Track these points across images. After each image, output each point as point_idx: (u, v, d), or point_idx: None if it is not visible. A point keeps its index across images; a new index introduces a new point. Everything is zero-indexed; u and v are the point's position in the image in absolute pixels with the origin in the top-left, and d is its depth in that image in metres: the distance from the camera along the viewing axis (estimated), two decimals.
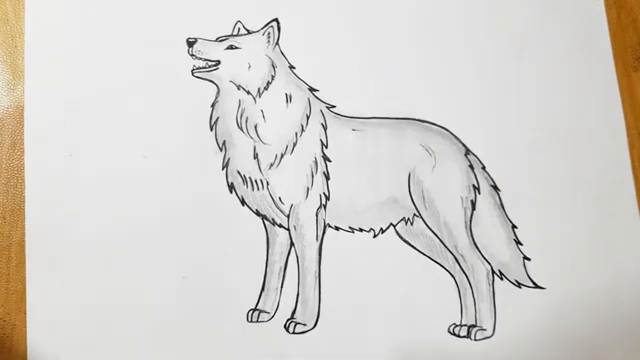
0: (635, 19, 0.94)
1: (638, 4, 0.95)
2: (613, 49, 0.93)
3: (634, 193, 0.89)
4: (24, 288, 0.86)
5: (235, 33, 0.90)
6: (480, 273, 0.86)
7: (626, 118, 0.91)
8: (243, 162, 0.87)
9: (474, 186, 0.88)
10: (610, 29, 0.93)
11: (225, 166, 0.88)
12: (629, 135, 0.91)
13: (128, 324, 0.86)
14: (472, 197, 0.87)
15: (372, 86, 0.91)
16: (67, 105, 0.90)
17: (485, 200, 0.88)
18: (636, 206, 0.89)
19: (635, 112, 0.91)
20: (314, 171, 0.87)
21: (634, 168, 0.90)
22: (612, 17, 0.94)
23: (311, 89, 0.89)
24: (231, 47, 0.88)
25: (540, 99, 0.91)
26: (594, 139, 0.90)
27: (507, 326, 0.85)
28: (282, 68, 0.89)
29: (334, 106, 0.89)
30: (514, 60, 0.92)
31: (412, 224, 0.88)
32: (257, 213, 0.88)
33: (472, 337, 0.85)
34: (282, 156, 0.87)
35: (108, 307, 0.86)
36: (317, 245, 0.87)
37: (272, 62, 0.89)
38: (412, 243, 0.87)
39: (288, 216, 0.87)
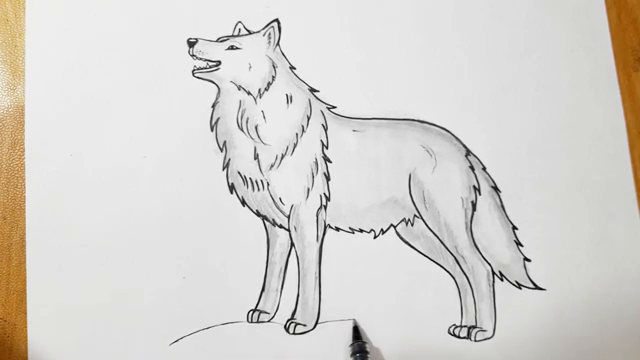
0: (635, 19, 0.94)
1: (638, 4, 0.94)
2: (613, 49, 0.93)
3: (634, 194, 0.89)
4: (24, 288, 0.86)
5: (236, 33, 0.91)
6: (480, 274, 0.86)
7: (626, 118, 0.91)
8: (244, 163, 0.87)
9: (474, 187, 0.88)
10: (610, 29, 0.93)
11: (225, 167, 0.88)
12: (629, 135, 0.91)
13: (128, 324, 0.86)
14: (472, 198, 0.88)
15: (373, 87, 0.90)
16: (68, 105, 0.90)
17: (485, 201, 0.88)
18: (636, 207, 0.89)
19: (635, 112, 0.91)
20: (314, 172, 0.87)
21: (634, 168, 0.90)
22: (612, 17, 0.94)
23: (312, 90, 0.89)
24: (232, 47, 0.88)
25: (540, 100, 0.91)
26: (594, 140, 0.90)
27: (507, 327, 0.85)
28: (283, 69, 0.89)
29: (335, 107, 0.89)
30: (514, 61, 0.92)
31: (412, 225, 0.88)
32: (257, 214, 0.88)
33: (472, 338, 0.85)
34: (282, 157, 0.87)
35: (108, 307, 0.86)
36: (317, 246, 0.87)
37: (273, 63, 0.89)
38: (412, 244, 0.87)
39: (288, 217, 0.87)
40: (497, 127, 0.90)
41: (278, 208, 0.87)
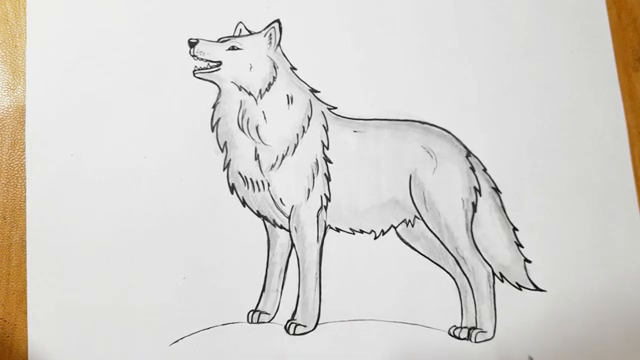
0: (635, 19, 0.94)
1: (638, 4, 0.94)
2: (613, 49, 0.93)
3: (635, 194, 0.89)
4: (25, 288, 0.86)
5: (237, 34, 0.90)
6: (481, 275, 0.86)
7: (626, 118, 0.91)
8: (244, 163, 0.87)
9: (475, 188, 0.88)
10: (610, 29, 0.93)
11: (226, 167, 0.88)
12: (630, 135, 0.91)
13: (128, 324, 0.86)
14: (473, 199, 0.88)
15: (373, 88, 0.90)
16: (68, 105, 0.90)
17: (486, 202, 0.88)
18: (637, 207, 0.89)
19: (635, 112, 0.91)
20: (315, 172, 0.87)
21: (635, 168, 0.90)
22: (612, 17, 0.94)
23: (312, 90, 0.89)
24: (233, 48, 0.88)
25: (541, 100, 0.91)
26: (595, 140, 0.90)
27: (507, 328, 0.85)
28: (283, 69, 0.89)
29: (335, 107, 0.89)
30: (515, 61, 0.92)
31: (413, 226, 0.88)
32: (258, 214, 0.88)
33: (472, 339, 0.85)
34: (283, 157, 0.87)
35: (108, 307, 0.86)
36: (318, 246, 0.87)
37: (273, 63, 0.89)
38: (413, 245, 0.87)
39: (289, 217, 0.87)
40: (498, 128, 0.90)
41: (279, 209, 0.87)
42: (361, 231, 0.88)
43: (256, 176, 0.87)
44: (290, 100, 0.88)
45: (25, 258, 0.87)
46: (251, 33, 0.90)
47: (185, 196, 0.88)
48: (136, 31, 0.92)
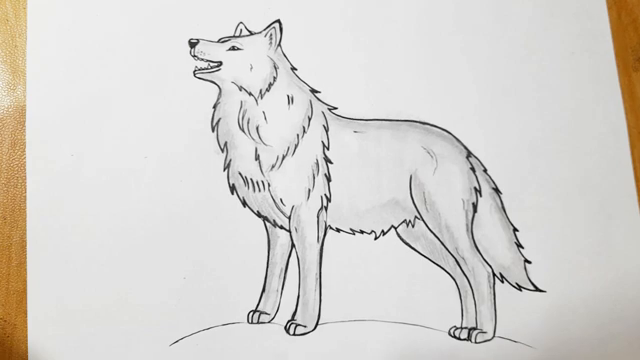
0: (635, 19, 0.94)
1: (638, 4, 0.94)
2: (614, 49, 0.93)
3: (635, 194, 0.89)
4: (25, 288, 0.86)
5: (237, 34, 0.90)
6: (481, 276, 0.86)
7: (627, 118, 0.91)
8: (244, 163, 0.87)
9: (475, 189, 0.88)
10: (610, 29, 0.93)
11: (226, 167, 0.88)
12: (630, 135, 0.91)
13: (129, 325, 0.86)
14: (473, 200, 0.88)
15: (374, 88, 0.90)
16: (69, 105, 0.90)
17: (486, 203, 0.88)
18: (637, 207, 0.89)
19: (635, 112, 0.91)
20: (315, 173, 0.87)
21: (635, 169, 0.90)
22: (612, 17, 0.94)
23: (313, 91, 0.89)
24: (233, 48, 0.88)
25: (541, 101, 0.91)
26: (596, 141, 0.90)
27: (508, 329, 0.85)
28: (284, 69, 0.89)
29: (336, 108, 0.89)
30: (516, 62, 0.92)
31: (413, 226, 0.88)
32: (258, 214, 0.88)
33: (472, 340, 0.85)
34: (283, 157, 0.87)
35: (109, 307, 0.86)
36: (318, 247, 0.87)
37: (274, 63, 0.89)
38: (413, 245, 0.88)
39: (289, 217, 0.87)
40: (498, 128, 0.90)
41: (279, 209, 0.87)
42: (361, 231, 0.88)
43: (256, 176, 0.87)
44: (290, 100, 0.88)
45: (25, 258, 0.87)
46: (251, 33, 0.90)
47: (185, 196, 0.88)
48: (136, 31, 0.92)
